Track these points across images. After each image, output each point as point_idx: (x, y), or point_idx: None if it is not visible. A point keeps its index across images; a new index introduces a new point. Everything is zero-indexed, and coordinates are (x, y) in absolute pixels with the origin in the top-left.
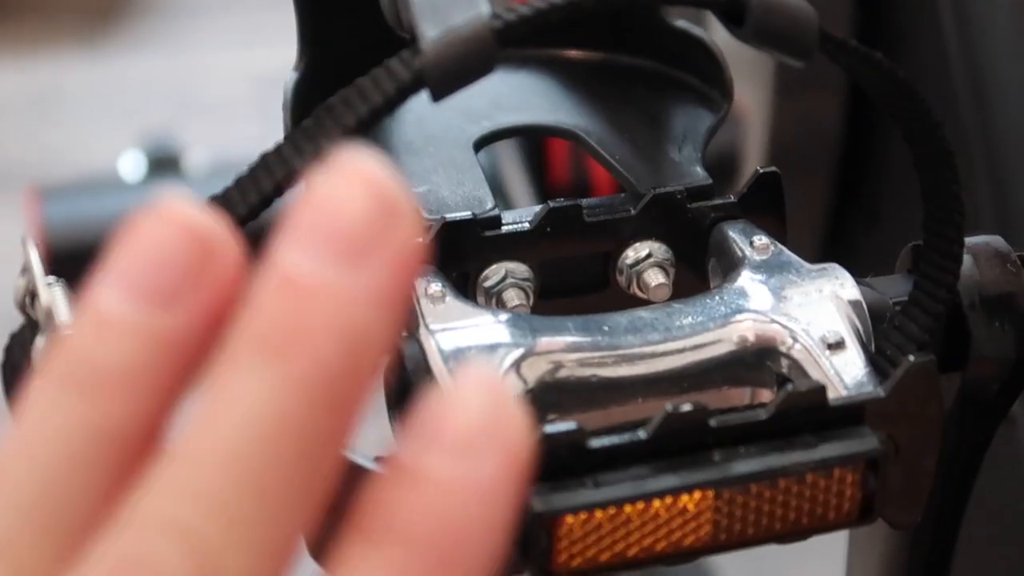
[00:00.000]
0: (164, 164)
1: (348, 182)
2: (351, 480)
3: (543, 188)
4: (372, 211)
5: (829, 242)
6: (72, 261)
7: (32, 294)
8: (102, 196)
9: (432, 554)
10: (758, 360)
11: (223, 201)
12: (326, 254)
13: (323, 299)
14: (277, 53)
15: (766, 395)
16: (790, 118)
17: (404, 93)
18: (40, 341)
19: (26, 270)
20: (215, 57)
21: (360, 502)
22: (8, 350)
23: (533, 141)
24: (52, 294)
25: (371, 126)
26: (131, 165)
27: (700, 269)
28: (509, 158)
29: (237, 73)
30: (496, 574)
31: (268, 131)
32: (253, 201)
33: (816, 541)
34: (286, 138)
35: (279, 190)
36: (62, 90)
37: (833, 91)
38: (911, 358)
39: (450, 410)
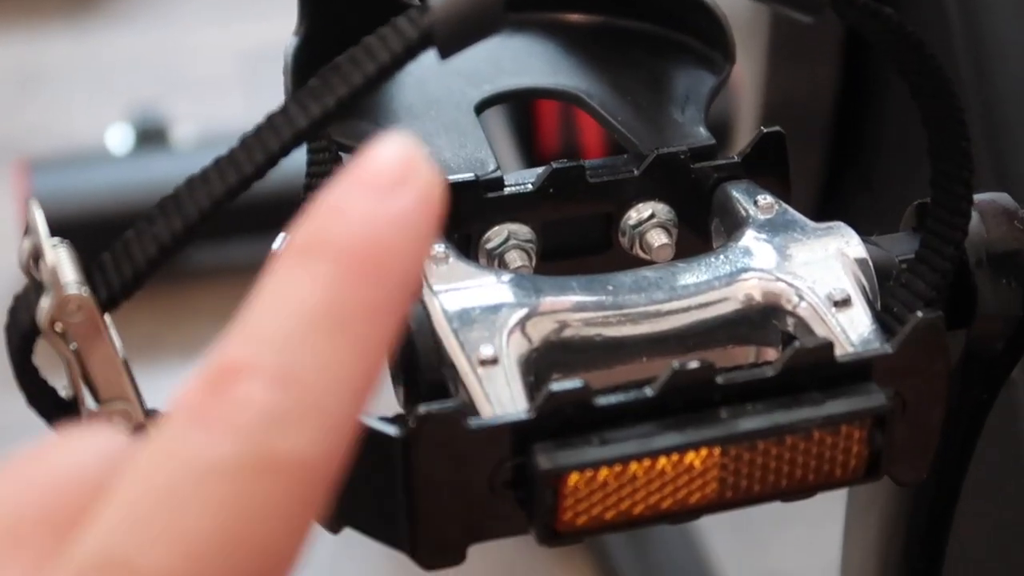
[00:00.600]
0: (151, 137)
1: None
2: (365, 440)
3: (532, 155)
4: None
5: (823, 208)
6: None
7: (37, 255)
8: (91, 168)
9: (362, 266)
10: (763, 319)
11: (229, 161)
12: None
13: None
14: (263, 28)
15: (771, 354)
16: (784, 85)
17: (412, 51)
18: (45, 302)
19: (30, 232)
20: (201, 33)
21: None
22: (13, 312)
23: (522, 108)
24: (57, 254)
25: (378, 85)
26: (119, 139)
27: (703, 230)
28: (497, 125)
29: (223, 49)
30: (411, 293)
31: (254, 106)
32: (259, 160)
33: (801, 509)
34: (292, 97)
35: (285, 150)
36: (48, 66)
37: (827, 58)
38: (919, 314)
39: (366, 163)
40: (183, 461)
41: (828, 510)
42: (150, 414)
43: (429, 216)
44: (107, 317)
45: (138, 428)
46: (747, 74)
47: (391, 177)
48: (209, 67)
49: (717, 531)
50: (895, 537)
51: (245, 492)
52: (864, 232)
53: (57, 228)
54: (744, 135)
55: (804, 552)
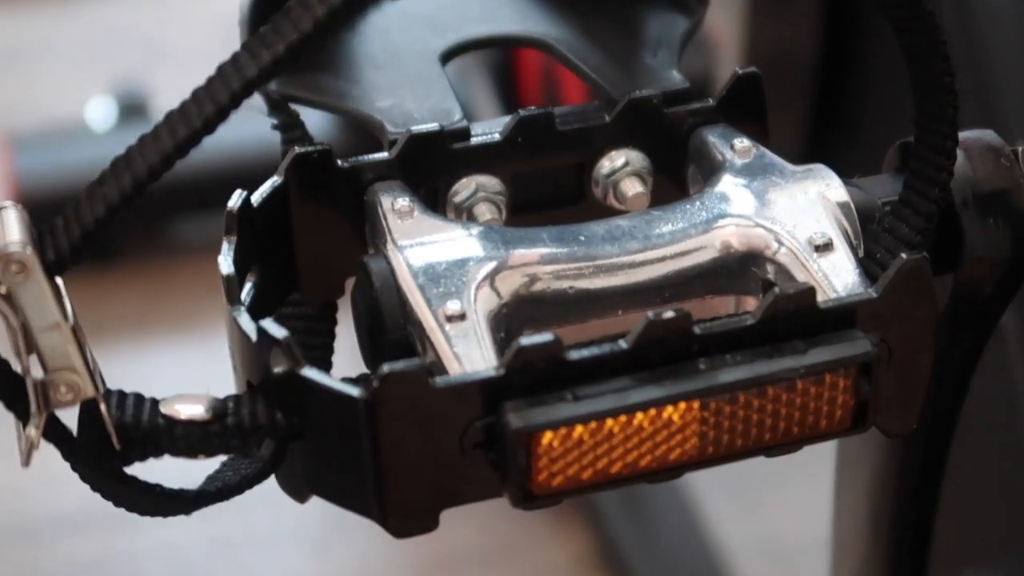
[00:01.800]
0: (133, 110)
1: None
2: (327, 403)
3: (513, 107)
4: None
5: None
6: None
7: None
8: (74, 145)
9: None
10: (742, 267)
11: (179, 116)
12: None
13: None
14: None
15: (751, 303)
16: (766, 38)
17: None
18: None
19: None
20: (181, 3)
21: None
22: None
23: (502, 59)
24: (1, 216)
25: (331, 30)
26: (99, 112)
27: (679, 177)
28: (477, 77)
29: (203, 20)
30: None
31: None
32: (209, 113)
33: (797, 471)
34: (242, 46)
35: (236, 100)
36: (27, 40)
37: (809, 9)
38: (903, 256)
39: None
40: None
41: (824, 472)
42: (103, 388)
43: None
44: (59, 282)
45: (86, 402)
46: (727, 27)
47: None
48: (188, 38)
49: (712, 495)
50: (886, 490)
51: None
52: (844, 174)
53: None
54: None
55: (800, 515)
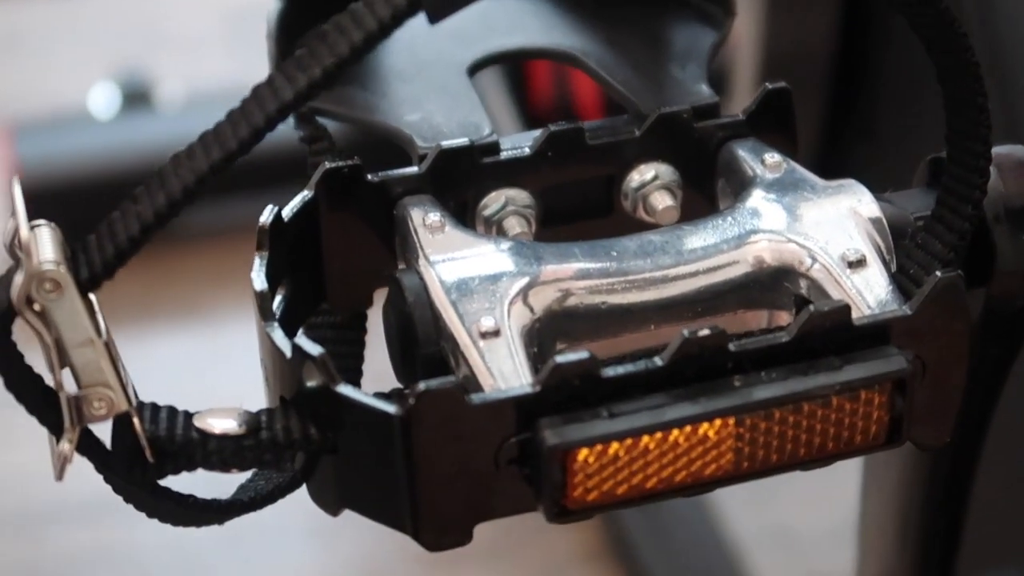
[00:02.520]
0: (136, 98)
1: None
2: (362, 419)
3: (526, 119)
4: None
5: (824, 159)
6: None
7: (18, 235)
8: (77, 133)
9: None
10: (775, 282)
11: (215, 136)
12: None
13: None
14: None
15: (784, 318)
16: (783, 37)
17: (400, 17)
18: (18, 278)
19: (14, 212)
20: None
21: None
22: None
23: (515, 70)
24: (34, 233)
25: (366, 53)
26: (101, 99)
27: (708, 191)
28: (490, 88)
29: (207, 8)
30: None
31: (239, 66)
32: (244, 135)
33: None
34: (278, 68)
35: (271, 123)
36: (31, 27)
37: (826, 8)
38: (938, 274)
39: None
40: None
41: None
42: (136, 402)
43: None
44: (93, 299)
45: (119, 416)
46: (745, 26)
47: None
48: (192, 25)
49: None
50: (914, 496)
51: None
52: (871, 186)
53: (44, 195)
54: (741, 88)
55: (813, 506)
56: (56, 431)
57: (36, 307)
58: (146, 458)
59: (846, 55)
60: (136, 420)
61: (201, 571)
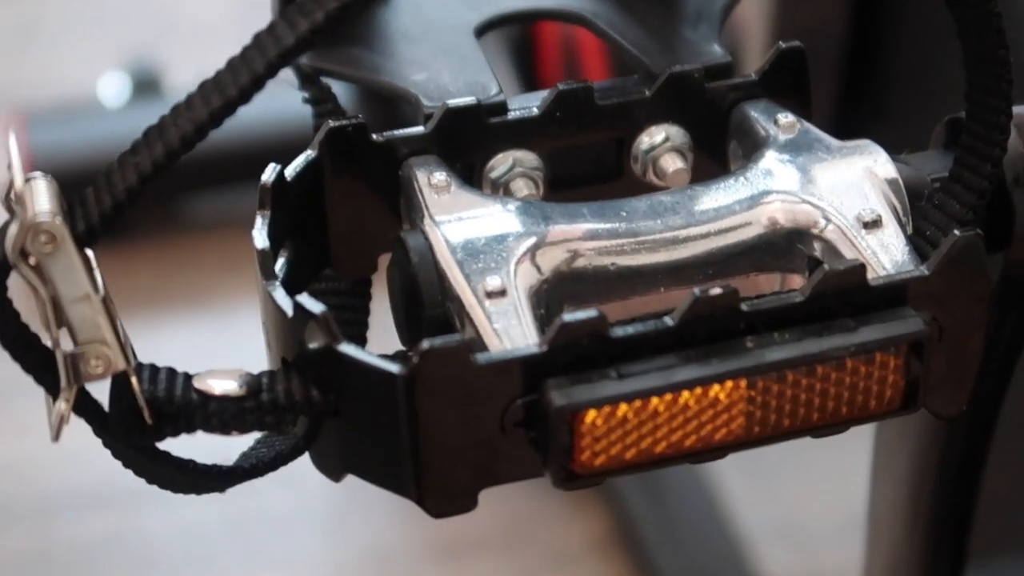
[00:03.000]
0: (146, 86)
1: None
2: (365, 379)
3: (532, 83)
4: None
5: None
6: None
7: (13, 187)
8: (89, 121)
9: None
10: (788, 243)
11: (214, 85)
12: None
13: None
14: None
15: (798, 281)
16: (793, 16)
17: None
18: (13, 230)
19: (10, 165)
20: None
21: None
22: None
23: (522, 33)
24: (31, 185)
25: (367, 2)
26: (112, 87)
27: (720, 153)
28: (496, 52)
29: None
30: None
31: None
32: (244, 82)
33: (818, 453)
34: (280, 15)
35: (272, 69)
36: (41, 16)
37: None
38: (956, 233)
39: None
40: None
41: (843, 452)
42: (134, 361)
43: None
44: (90, 254)
45: (117, 376)
46: (755, 11)
47: None
48: (202, 12)
49: (731, 475)
50: (926, 475)
51: None
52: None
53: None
54: (751, 68)
55: (819, 496)
56: (53, 390)
57: (31, 261)
58: (144, 420)
59: (858, 34)
60: (134, 380)
61: (209, 560)
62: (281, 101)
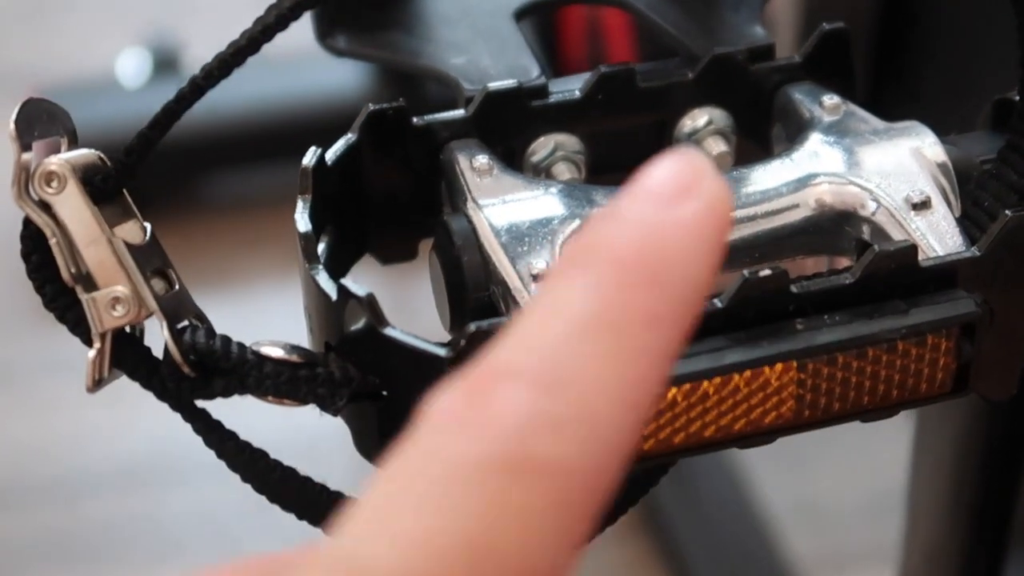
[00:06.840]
0: (164, 64)
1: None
2: (411, 362)
3: (556, 68)
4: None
5: None
6: None
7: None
8: (107, 99)
9: (641, 272)
10: (836, 226)
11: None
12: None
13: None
14: None
15: (846, 263)
16: (825, 5)
17: None
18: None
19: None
20: None
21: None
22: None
23: (545, 20)
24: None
25: None
26: (130, 66)
27: (763, 137)
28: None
29: None
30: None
31: None
32: (269, 20)
33: (844, 427)
34: None
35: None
36: None
37: None
38: (1007, 213)
39: (650, 173)
40: (435, 460)
41: (868, 435)
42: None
43: (716, 228)
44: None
45: (143, 317)
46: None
47: (676, 186)
48: None
49: (755, 458)
50: (969, 459)
51: (498, 495)
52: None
53: None
54: (781, 52)
55: (844, 479)
56: (86, 339)
57: (35, 195)
58: (184, 373)
59: (891, 17)
60: (165, 328)
61: (231, 540)
62: (300, 80)
